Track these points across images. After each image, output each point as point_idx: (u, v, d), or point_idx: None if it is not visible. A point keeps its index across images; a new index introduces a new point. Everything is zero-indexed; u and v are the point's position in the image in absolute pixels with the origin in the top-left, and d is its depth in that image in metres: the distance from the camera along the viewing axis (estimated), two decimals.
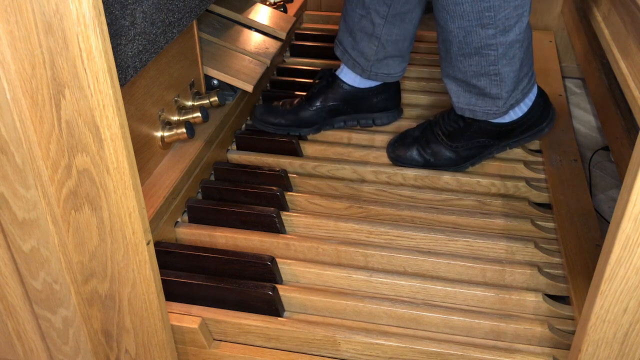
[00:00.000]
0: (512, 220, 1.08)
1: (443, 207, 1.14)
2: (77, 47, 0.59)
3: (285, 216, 1.10)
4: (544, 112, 1.22)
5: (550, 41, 1.66)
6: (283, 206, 1.13)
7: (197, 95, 1.20)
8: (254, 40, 1.38)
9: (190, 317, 0.90)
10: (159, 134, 1.08)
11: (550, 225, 1.09)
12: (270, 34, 1.44)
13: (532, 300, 0.94)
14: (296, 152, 1.27)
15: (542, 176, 1.20)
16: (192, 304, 0.94)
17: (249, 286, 0.93)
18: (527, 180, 1.18)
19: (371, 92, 1.29)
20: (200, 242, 1.07)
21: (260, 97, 1.45)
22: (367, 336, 0.89)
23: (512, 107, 1.16)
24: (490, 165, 1.23)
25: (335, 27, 1.70)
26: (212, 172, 1.22)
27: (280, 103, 1.31)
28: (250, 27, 1.42)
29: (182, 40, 1.13)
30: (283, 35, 1.44)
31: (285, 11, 1.60)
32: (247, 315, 0.92)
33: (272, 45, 1.40)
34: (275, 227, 1.08)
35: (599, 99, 1.29)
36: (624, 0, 1.09)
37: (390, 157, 1.24)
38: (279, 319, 0.92)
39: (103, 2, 0.64)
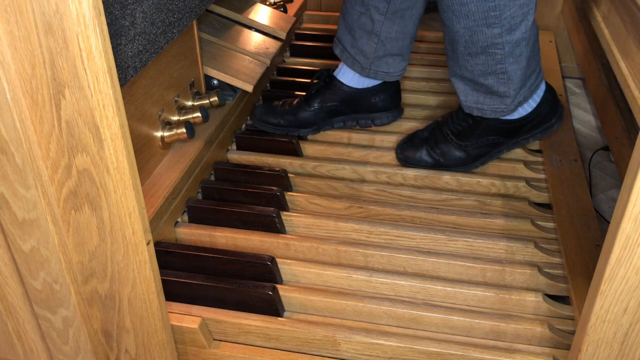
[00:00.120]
0: (512, 220, 1.08)
1: (443, 207, 1.14)
2: (77, 47, 0.59)
3: (285, 216, 1.10)
4: (553, 108, 1.22)
5: (550, 41, 1.66)
6: (283, 206, 1.13)
7: (197, 95, 1.20)
8: (254, 40, 1.38)
9: (190, 317, 0.90)
10: (159, 134, 1.08)
11: (550, 225, 1.09)
12: (270, 34, 1.44)
13: (532, 300, 0.94)
14: (296, 152, 1.27)
15: (542, 176, 1.20)
16: (192, 304, 0.94)
17: (249, 286, 0.93)
18: (527, 180, 1.18)
19: (370, 92, 1.29)
20: (200, 242, 1.07)
21: (260, 97, 1.45)
22: (367, 336, 0.89)
23: (520, 104, 1.15)
24: (490, 165, 1.22)
25: (335, 27, 1.70)
26: (212, 172, 1.22)
27: (280, 103, 1.31)
28: (250, 27, 1.42)
29: (182, 40, 1.13)
30: (283, 35, 1.44)
31: (285, 11, 1.60)
32: (247, 315, 0.92)
33: (272, 45, 1.40)
34: (275, 227, 1.08)
35: (599, 99, 1.29)
36: (624, 0, 1.09)
37: (399, 159, 1.24)
38: (279, 319, 0.92)
39: (103, 2, 0.64)
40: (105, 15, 0.60)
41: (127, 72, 0.84)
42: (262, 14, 1.47)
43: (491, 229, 1.09)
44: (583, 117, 1.50)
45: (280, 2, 1.62)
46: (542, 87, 1.19)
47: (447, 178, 1.20)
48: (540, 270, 0.98)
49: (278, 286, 0.96)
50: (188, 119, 1.13)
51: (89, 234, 0.72)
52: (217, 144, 1.23)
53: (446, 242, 1.05)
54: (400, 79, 1.32)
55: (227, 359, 0.91)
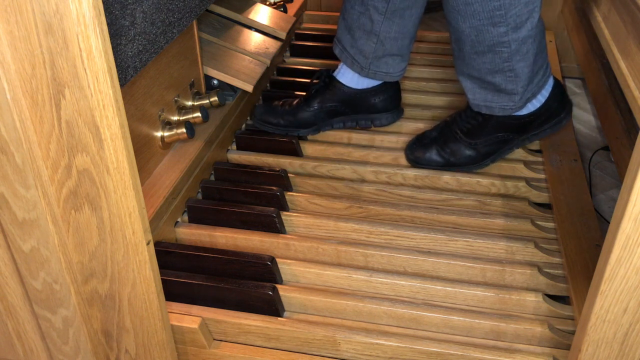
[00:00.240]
0: (512, 220, 1.08)
1: (443, 207, 1.14)
2: (77, 47, 0.59)
3: (285, 216, 1.10)
4: (561, 102, 1.21)
5: (550, 41, 1.66)
6: (283, 206, 1.13)
7: (197, 95, 1.20)
8: (254, 40, 1.38)
9: (190, 317, 0.90)
10: (159, 134, 1.08)
11: (550, 225, 1.09)
12: (270, 34, 1.44)
13: (532, 300, 0.94)
14: (296, 152, 1.27)
15: (542, 176, 1.20)
16: (192, 304, 0.94)
17: (249, 286, 0.93)
18: (527, 180, 1.18)
19: (369, 92, 1.29)
20: (200, 242, 1.07)
21: (260, 97, 1.45)
22: (367, 336, 0.89)
23: (528, 100, 1.15)
24: (490, 165, 1.22)
25: (335, 27, 1.69)
26: (212, 172, 1.22)
27: (280, 103, 1.31)
28: (250, 27, 1.42)
29: (182, 40, 1.13)
30: (283, 35, 1.44)
31: (285, 11, 1.60)
32: (247, 315, 0.92)
33: (272, 45, 1.40)
34: (275, 227, 1.08)
35: (599, 99, 1.29)
36: (624, 0, 1.09)
37: (409, 159, 1.23)
38: (279, 319, 0.92)
39: (103, 2, 0.64)
40: (105, 15, 0.60)
41: (127, 72, 0.84)
42: (262, 14, 1.47)
43: (491, 229, 1.09)
44: (583, 117, 1.50)
45: (280, 2, 1.62)
46: (550, 82, 1.19)
47: (447, 178, 1.20)
48: (540, 270, 0.98)
49: (278, 286, 0.96)
50: (188, 119, 1.13)
51: (89, 234, 0.72)
52: (217, 144, 1.23)
53: (446, 242, 1.05)
54: (400, 79, 1.32)
55: (227, 359, 0.91)
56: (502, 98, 1.14)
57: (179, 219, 1.10)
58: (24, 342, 0.87)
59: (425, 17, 1.84)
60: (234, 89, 1.31)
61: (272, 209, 1.09)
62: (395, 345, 0.88)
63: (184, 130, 1.08)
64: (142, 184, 1.03)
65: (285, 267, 1.00)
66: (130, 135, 0.67)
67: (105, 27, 0.60)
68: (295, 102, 1.31)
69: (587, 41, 1.42)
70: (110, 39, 0.62)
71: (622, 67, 1.03)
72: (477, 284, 0.98)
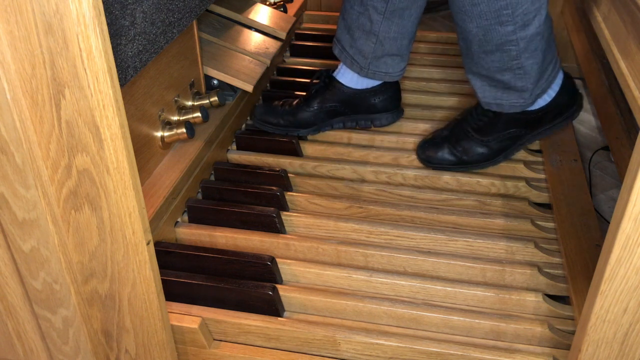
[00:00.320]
0: (512, 220, 1.08)
1: (443, 207, 1.14)
2: (77, 47, 0.59)
3: (285, 216, 1.10)
4: (572, 96, 1.21)
5: None
6: (283, 206, 1.13)
7: (197, 95, 1.20)
8: (254, 40, 1.38)
9: (190, 317, 0.90)
10: (159, 134, 1.08)
11: (550, 225, 1.09)
12: (270, 34, 1.44)
13: (532, 300, 0.94)
14: (296, 152, 1.27)
15: (542, 176, 1.20)
16: (192, 304, 0.94)
17: (249, 286, 0.93)
18: (527, 180, 1.18)
19: (369, 93, 1.29)
20: (200, 242, 1.07)
21: (260, 97, 1.45)
22: (367, 336, 0.89)
23: (538, 96, 1.15)
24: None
25: (335, 27, 1.69)
26: (212, 172, 1.22)
27: (280, 103, 1.31)
28: (250, 27, 1.42)
29: (182, 40, 1.13)
30: (283, 35, 1.44)
31: (285, 11, 1.60)
32: (247, 315, 0.92)
33: (272, 45, 1.40)
34: (275, 227, 1.08)
35: (599, 99, 1.29)
36: (624, 0, 1.09)
37: (421, 159, 1.23)
38: (279, 319, 0.92)
39: (103, 2, 0.64)
40: (105, 15, 0.60)
41: (127, 72, 0.84)
42: (262, 14, 1.47)
43: (491, 229, 1.09)
44: (583, 117, 1.50)
45: (280, 2, 1.62)
46: (560, 76, 1.19)
47: (447, 178, 1.20)
48: (540, 270, 0.98)
49: (278, 286, 0.96)
50: (188, 119, 1.13)
51: (89, 234, 0.72)
52: (217, 144, 1.23)
53: (446, 242, 1.05)
54: (400, 79, 1.32)
55: (227, 359, 0.91)
56: (512, 95, 1.13)
57: (179, 219, 1.10)
58: (24, 342, 0.87)
59: (425, 17, 1.84)
60: (234, 89, 1.31)
61: (272, 209, 1.09)
62: (395, 345, 0.88)
63: (184, 130, 1.08)
64: (142, 184, 1.03)
65: (285, 267, 1.00)
66: (130, 135, 0.67)
67: (105, 27, 0.60)
68: (295, 102, 1.31)
69: (587, 41, 1.42)
70: (110, 39, 0.62)
71: (622, 67, 1.03)
72: (477, 284, 0.98)
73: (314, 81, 1.32)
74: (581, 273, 0.95)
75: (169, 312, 0.89)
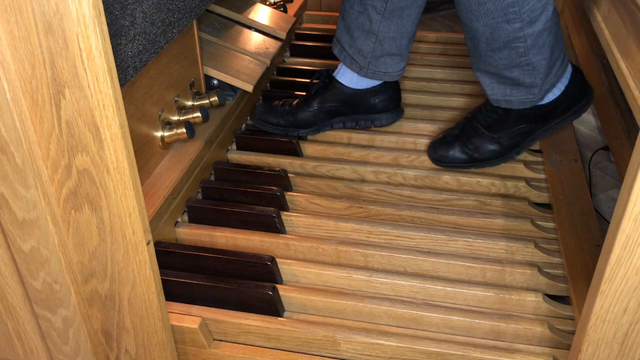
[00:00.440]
0: (512, 220, 1.08)
1: (443, 207, 1.14)
2: (77, 47, 0.59)
3: (285, 216, 1.10)
4: (581, 89, 1.20)
5: None
6: (283, 206, 1.13)
7: (197, 95, 1.20)
8: (254, 40, 1.38)
9: (190, 317, 0.90)
10: (159, 134, 1.08)
11: (550, 225, 1.09)
12: (270, 34, 1.44)
13: (532, 300, 0.94)
14: (296, 152, 1.27)
15: (542, 176, 1.20)
16: (192, 304, 0.94)
17: (249, 286, 0.93)
18: (527, 180, 1.18)
19: (369, 93, 1.29)
20: (200, 242, 1.07)
21: (260, 97, 1.45)
22: (367, 336, 0.89)
23: (547, 91, 1.15)
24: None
25: (335, 27, 1.69)
26: (212, 172, 1.22)
27: (281, 103, 1.32)
28: (250, 27, 1.42)
29: (182, 40, 1.13)
30: (283, 35, 1.44)
31: (285, 11, 1.60)
32: (247, 315, 0.92)
33: (272, 45, 1.40)
34: (275, 227, 1.08)
35: (599, 99, 1.29)
36: (624, 0, 1.09)
37: (432, 159, 1.23)
38: (279, 319, 0.92)
39: (103, 2, 0.64)
40: (105, 15, 0.60)
41: (127, 72, 0.84)
42: (262, 14, 1.47)
43: (491, 229, 1.09)
44: (583, 117, 1.50)
45: (280, 2, 1.62)
46: (569, 69, 1.18)
47: (447, 178, 1.20)
48: (540, 270, 0.98)
49: (278, 286, 0.96)
50: (188, 119, 1.13)
51: (89, 234, 0.72)
52: (217, 144, 1.23)
53: (446, 242, 1.05)
54: (400, 80, 1.32)
55: (227, 359, 0.91)
56: (521, 91, 1.13)
57: (179, 219, 1.10)
58: (24, 342, 0.87)
59: (425, 17, 1.84)
60: (234, 89, 1.31)
61: (272, 209, 1.09)
62: (395, 345, 0.88)
63: (184, 130, 1.08)
64: (142, 184, 1.03)
65: (285, 267, 1.00)
66: (130, 135, 0.67)
67: (105, 27, 0.60)
68: (295, 102, 1.31)
69: (587, 41, 1.42)
70: (110, 39, 0.62)
71: (622, 67, 1.03)
72: (477, 284, 0.98)
73: (314, 81, 1.32)
74: (581, 273, 0.95)
75: (169, 312, 0.89)
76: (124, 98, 0.75)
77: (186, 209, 1.11)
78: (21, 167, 0.69)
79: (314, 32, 1.71)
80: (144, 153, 1.04)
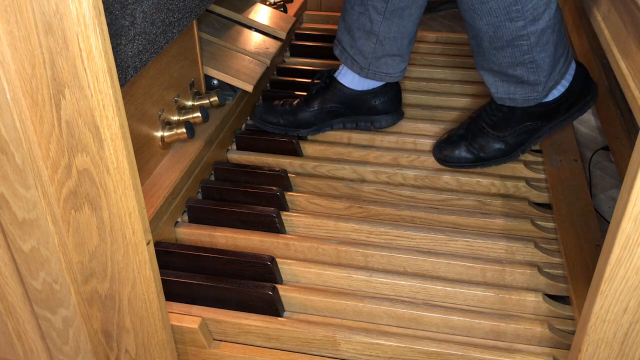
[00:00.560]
0: (512, 220, 1.08)
1: (443, 207, 1.14)
2: (77, 47, 0.59)
3: (285, 216, 1.10)
4: (586, 85, 1.20)
5: None
6: (283, 206, 1.13)
7: (197, 95, 1.20)
8: (254, 40, 1.38)
9: (190, 317, 0.90)
10: (159, 134, 1.08)
11: (550, 225, 1.09)
12: (270, 34, 1.44)
13: (532, 300, 0.94)
14: (296, 152, 1.27)
15: (542, 176, 1.20)
16: (192, 304, 0.94)
17: (249, 286, 0.93)
18: (527, 180, 1.18)
19: (370, 94, 1.29)
20: (200, 242, 1.07)
21: (260, 97, 1.45)
22: (367, 336, 0.89)
23: (552, 88, 1.15)
24: (491, 166, 1.22)
25: (335, 26, 1.70)
26: (212, 172, 1.22)
27: (281, 102, 1.32)
28: (250, 27, 1.42)
29: (182, 40, 1.13)
30: (283, 35, 1.45)
31: (285, 11, 1.60)
32: (247, 315, 0.92)
33: (272, 45, 1.40)
34: (275, 227, 1.08)
35: (599, 98, 1.29)
36: (624, 0, 1.09)
37: (437, 159, 1.23)
38: (279, 319, 0.92)
39: (103, 2, 0.64)
40: (105, 15, 0.60)
41: (127, 72, 0.84)
42: (262, 14, 1.47)
43: (491, 229, 1.09)
44: (583, 117, 1.50)
45: (280, 2, 1.62)
46: (573, 66, 1.18)
47: (447, 178, 1.20)
48: (540, 270, 0.98)
49: (278, 286, 0.96)
50: (188, 119, 1.13)
51: (89, 234, 0.72)
52: (217, 144, 1.23)
53: (446, 242, 1.05)
54: (401, 81, 1.32)
55: (227, 359, 0.91)
56: (525, 89, 1.13)
57: (179, 219, 1.10)
58: (24, 342, 0.87)
59: (425, 17, 1.84)
60: (234, 89, 1.31)
61: (272, 209, 1.09)
62: (395, 345, 0.88)
63: (184, 130, 1.08)
64: (142, 184, 1.03)
65: (285, 267, 1.00)
66: (130, 135, 0.67)
67: (105, 27, 0.60)
68: (295, 102, 1.31)
69: (587, 41, 1.42)
70: (110, 39, 0.62)
71: (622, 67, 1.03)
72: (477, 284, 0.98)
73: (315, 81, 1.32)
74: (581, 273, 0.95)
75: (169, 312, 0.89)
76: (124, 98, 0.75)
77: (186, 209, 1.11)
78: (21, 167, 0.69)
79: (314, 32, 1.71)
80: (144, 153, 1.04)
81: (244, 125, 1.37)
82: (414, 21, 1.21)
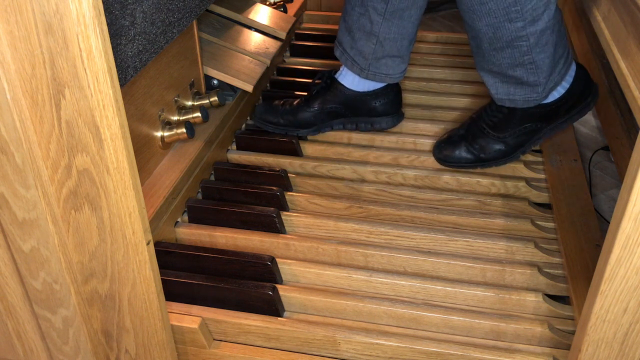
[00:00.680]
0: (512, 220, 1.08)
1: (443, 207, 1.14)
2: (77, 47, 0.59)
3: (285, 216, 1.10)
4: (587, 86, 1.20)
5: None
6: (283, 206, 1.13)
7: (197, 95, 1.20)
8: (254, 40, 1.38)
9: (190, 317, 0.90)
10: (159, 134, 1.08)
11: (550, 225, 1.09)
12: (270, 34, 1.44)
13: (532, 300, 0.94)
14: (296, 152, 1.27)
15: (542, 176, 1.20)
16: (192, 304, 0.94)
17: (249, 286, 0.93)
18: (527, 180, 1.18)
19: (370, 95, 1.29)
20: (200, 242, 1.07)
21: (260, 97, 1.45)
22: (367, 336, 0.89)
23: (552, 89, 1.15)
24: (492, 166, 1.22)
25: (335, 26, 1.70)
26: (212, 172, 1.22)
27: (281, 102, 1.32)
28: (250, 27, 1.42)
29: (182, 40, 1.13)
30: (283, 35, 1.45)
31: (285, 11, 1.60)
32: (247, 315, 0.92)
33: (272, 45, 1.40)
34: (275, 227, 1.08)
35: (599, 99, 1.29)
36: (624, 0, 1.09)
37: (438, 159, 1.23)
38: (279, 319, 0.92)
39: (103, 2, 0.64)
40: (105, 15, 0.60)
41: (127, 72, 0.84)
42: (262, 14, 1.47)
43: (491, 229, 1.09)
44: (583, 117, 1.50)
45: (280, 2, 1.62)
46: (573, 67, 1.18)
47: (447, 178, 1.20)
48: (540, 270, 0.98)
49: (278, 286, 0.96)
50: (188, 119, 1.13)
51: (89, 234, 0.72)
52: (217, 144, 1.23)
53: (446, 242, 1.05)
54: (401, 82, 1.32)
55: (227, 359, 0.91)
56: (525, 90, 1.13)
57: (179, 219, 1.10)
58: (24, 342, 0.87)
59: (425, 17, 1.84)
60: (234, 89, 1.31)
61: (272, 209, 1.09)
62: (395, 345, 0.88)
63: (184, 130, 1.08)
64: (142, 184, 1.03)
65: (285, 267, 1.00)
66: (130, 135, 0.67)
67: (105, 27, 0.60)
68: (296, 102, 1.31)
69: (587, 41, 1.42)
70: (110, 39, 0.62)
71: (622, 67, 1.03)
72: (477, 284, 0.98)
73: (316, 81, 1.32)
74: (581, 273, 0.95)
75: (169, 312, 0.89)
76: (124, 98, 0.75)
77: (186, 209, 1.11)
78: (21, 167, 0.69)
79: (314, 32, 1.71)
80: (144, 153, 1.04)
81: (244, 125, 1.37)
82: (414, 22, 1.21)
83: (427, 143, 1.28)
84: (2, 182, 0.70)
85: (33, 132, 0.66)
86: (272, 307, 0.93)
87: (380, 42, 1.21)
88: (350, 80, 1.28)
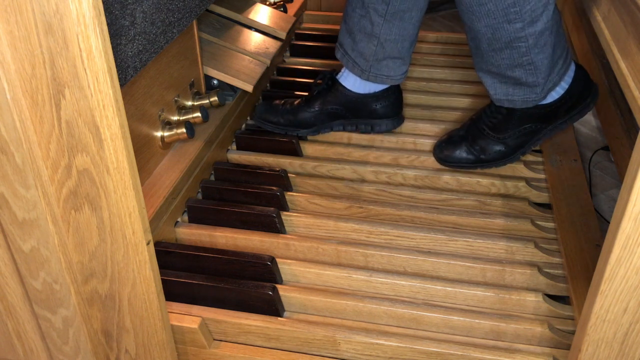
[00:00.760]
0: (512, 220, 1.08)
1: (443, 207, 1.14)
2: (77, 47, 0.59)
3: (285, 216, 1.10)
4: (586, 87, 1.20)
5: None
6: (283, 206, 1.13)
7: (197, 95, 1.20)
8: (254, 40, 1.38)
9: (190, 317, 0.90)
10: (159, 134, 1.08)
11: (550, 225, 1.09)
12: (270, 34, 1.44)
13: (532, 300, 0.94)
14: (296, 152, 1.27)
15: (542, 176, 1.20)
16: (192, 304, 0.94)
17: (249, 286, 0.93)
18: (527, 180, 1.18)
19: (371, 98, 1.29)
20: (200, 242, 1.07)
21: (260, 97, 1.45)
22: (367, 336, 0.89)
23: (550, 90, 1.15)
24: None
25: (335, 26, 1.70)
26: (212, 172, 1.22)
27: (282, 102, 1.32)
28: (250, 27, 1.42)
29: (182, 40, 1.13)
30: (283, 35, 1.45)
31: (285, 11, 1.60)
32: (247, 315, 0.92)
33: (272, 45, 1.40)
34: (275, 227, 1.08)
35: (599, 99, 1.29)
36: (624, 0, 1.09)
37: (438, 159, 1.23)
38: (279, 319, 0.92)
39: (103, 2, 0.64)
40: (105, 15, 0.60)
41: (127, 72, 0.84)
42: (262, 14, 1.47)
43: (491, 229, 1.09)
44: (583, 117, 1.50)
45: (280, 2, 1.62)
46: (572, 67, 1.18)
47: (447, 178, 1.20)
48: (540, 270, 0.98)
49: (278, 286, 0.96)
50: (188, 119, 1.13)
51: (89, 234, 0.72)
52: (217, 144, 1.23)
53: (446, 242, 1.05)
54: (401, 83, 1.32)
55: (227, 359, 0.91)
56: (523, 91, 1.13)
57: (179, 219, 1.10)
58: (24, 342, 0.87)
59: (425, 17, 1.84)
60: (234, 89, 1.31)
61: (272, 209, 1.09)
62: (395, 345, 0.88)
63: (184, 130, 1.08)
64: (142, 184, 1.03)
65: (285, 267, 1.00)
66: (130, 135, 0.67)
67: (105, 27, 0.60)
68: (296, 101, 1.31)
69: (587, 41, 1.42)
70: (110, 39, 0.62)
71: (622, 67, 1.03)
72: (477, 284, 0.98)
73: (317, 82, 1.32)
74: (581, 273, 0.95)
75: (169, 312, 0.89)
76: (124, 98, 0.75)
77: (186, 209, 1.11)
78: (21, 167, 0.69)
79: (314, 32, 1.71)
80: (144, 153, 1.04)
81: (244, 125, 1.37)
82: (414, 24, 1.21)
83: (427, 143, 1.28)
84: (2, 182, 0.70)
85: (33, 132, 0.66)
86: (272, 307, 0.93)
87: (381, 43, 1.21)
88: (351, 82, 1.28)
